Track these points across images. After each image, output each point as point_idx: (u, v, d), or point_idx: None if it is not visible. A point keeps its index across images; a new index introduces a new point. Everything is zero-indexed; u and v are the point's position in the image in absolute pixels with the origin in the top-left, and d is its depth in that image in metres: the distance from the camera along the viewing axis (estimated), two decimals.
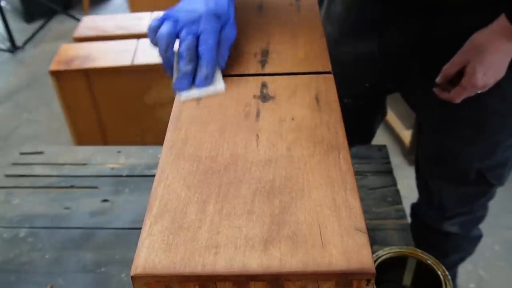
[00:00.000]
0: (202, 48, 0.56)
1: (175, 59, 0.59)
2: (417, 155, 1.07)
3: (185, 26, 0.56)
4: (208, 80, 0.56)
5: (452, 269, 1.22)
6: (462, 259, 1.20)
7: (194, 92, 0.56)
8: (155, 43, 0.58)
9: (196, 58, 0.57)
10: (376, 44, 0.88)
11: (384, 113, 1.13)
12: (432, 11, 0.79)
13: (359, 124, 1.09)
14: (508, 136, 0.89)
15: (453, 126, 0.89)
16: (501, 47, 0.72)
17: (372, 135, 1.17)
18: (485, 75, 0.73)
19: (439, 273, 0.63)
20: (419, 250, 0.66)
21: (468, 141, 0.89)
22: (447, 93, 0.78)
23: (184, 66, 0.56)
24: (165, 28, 0.56)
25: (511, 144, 0.90)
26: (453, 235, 1.08)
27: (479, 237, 1.14)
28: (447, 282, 0.62)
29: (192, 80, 0.57)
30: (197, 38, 0.56)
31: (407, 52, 0.86)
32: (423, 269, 0.65)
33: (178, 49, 0.57)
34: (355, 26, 0.92)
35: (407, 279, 0.69)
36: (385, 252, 0.66)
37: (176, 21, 0.57)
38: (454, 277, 1.26)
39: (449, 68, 0.77)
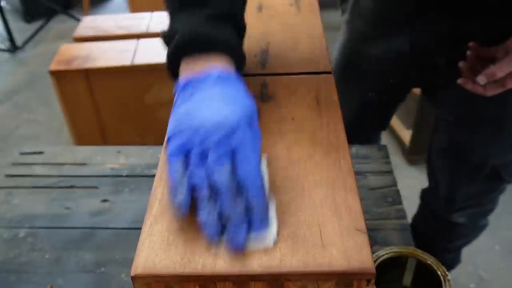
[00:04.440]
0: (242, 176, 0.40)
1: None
2: (429, 148, 1.08)
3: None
4: (264, 223, 0.40)
5: (456, 252, 1.24)
6: (465, 244, 1.22)
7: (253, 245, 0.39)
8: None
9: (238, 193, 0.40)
10: (407, 39, 0.88)
11: (404, 101, 1.11)
12: (466, 10, 0.79)
13: (380, 115, 1.11)
14: None
15: (475, 124, 0.91)
16: None
17: (389, 122, 1.19)
18: None
19: (439, 273, 0.63)
20: (419, 250, 0.66)
21: (488, 138, 0.91)
22: (480, 88, 0.73)
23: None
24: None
25: None
26: (460, 225, 1.09)
27: (485, 226, 1.16)
28: (447, 282, 0.62)
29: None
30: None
31: (437, 48, 0.86)
32: (423, 269, 0.65)
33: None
34: (386, 20, 0.90)
35: (407, 279, 0.69)
36: (385, 252, 0.66)
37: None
38: (457, 257, 1.27)
39: (499, 71, 0.70)
